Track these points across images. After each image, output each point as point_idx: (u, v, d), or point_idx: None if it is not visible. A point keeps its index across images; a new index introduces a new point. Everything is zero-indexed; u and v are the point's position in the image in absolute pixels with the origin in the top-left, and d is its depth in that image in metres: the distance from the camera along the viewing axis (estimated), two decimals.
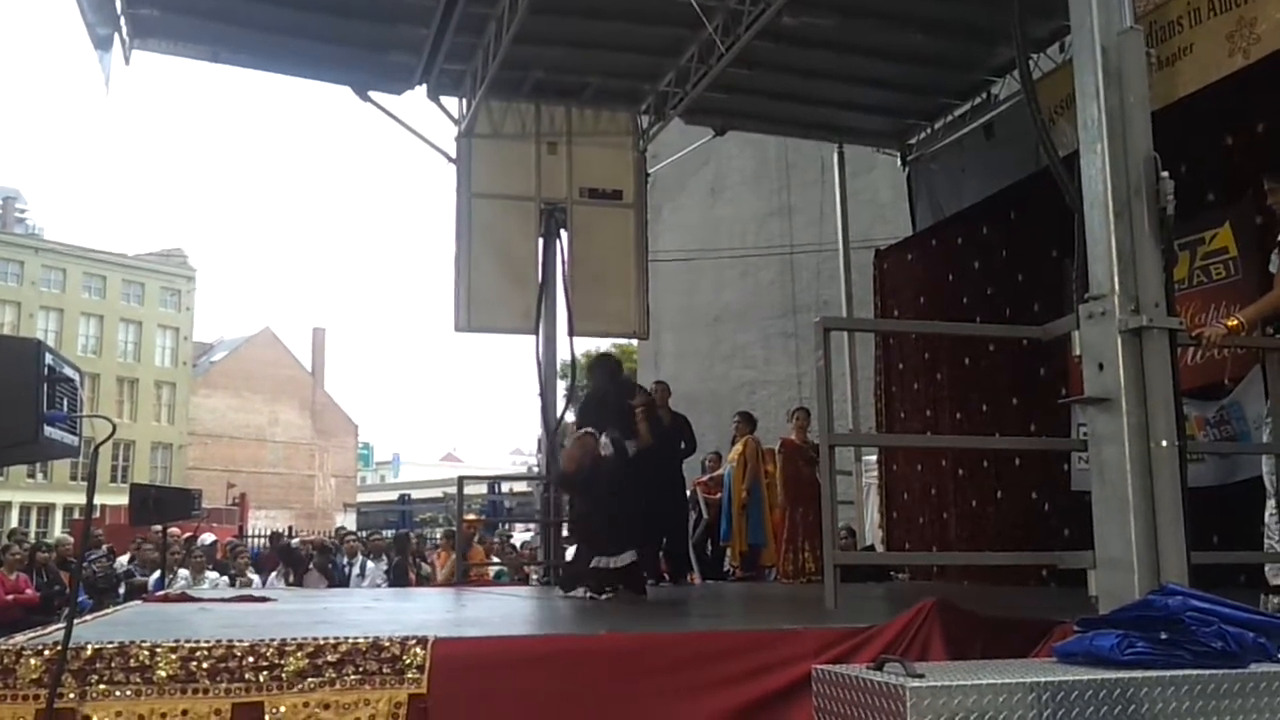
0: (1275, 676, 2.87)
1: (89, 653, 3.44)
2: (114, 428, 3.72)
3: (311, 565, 13.38)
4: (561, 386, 12.10)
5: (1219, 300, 7.21)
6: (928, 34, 10.00)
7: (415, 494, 40.50)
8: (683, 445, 9.81)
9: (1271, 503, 4.88)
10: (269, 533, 21.85)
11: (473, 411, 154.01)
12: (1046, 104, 8.60)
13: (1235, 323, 4.73)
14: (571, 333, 10.88)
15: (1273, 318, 4.99)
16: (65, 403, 3.47)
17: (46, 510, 48.29)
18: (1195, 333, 4.83)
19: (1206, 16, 7.88)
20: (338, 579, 13.23)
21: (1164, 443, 3.79)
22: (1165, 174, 3.94)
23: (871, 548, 11.77)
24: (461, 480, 12.18)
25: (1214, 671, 2.85)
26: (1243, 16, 7.53)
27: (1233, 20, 7.62)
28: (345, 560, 14.04)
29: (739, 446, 11.02)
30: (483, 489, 26.41)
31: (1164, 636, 2.95)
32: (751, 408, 13.88)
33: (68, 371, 3.53)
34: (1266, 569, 5.05)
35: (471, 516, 13.48)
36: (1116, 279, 3.90)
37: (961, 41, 10.22)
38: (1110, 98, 4.00)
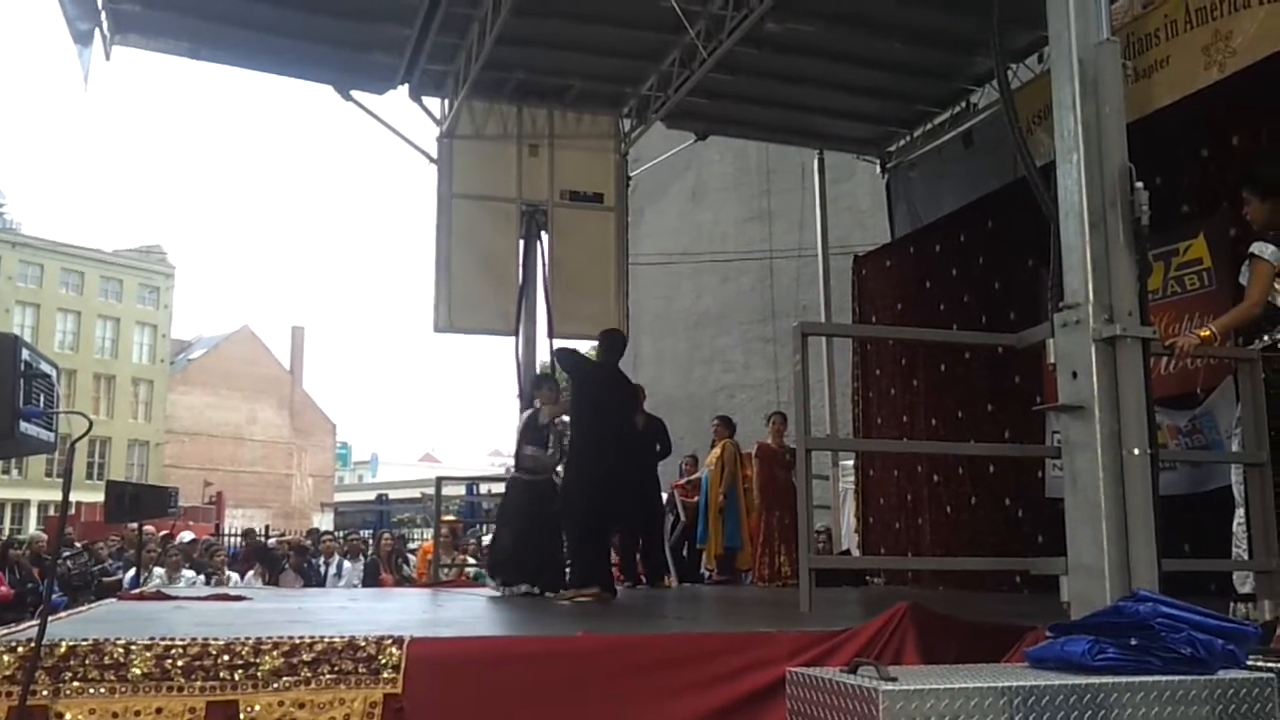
0: (1243, 683, 2.91)
1: (63, 650, 3.43)
2: (90, 424, 3.71)
3: (287, 565, 13.33)
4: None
5: (1193, 311, 7.28)
6: (908, 43, 10.05)
7: (393, 494, 40.37)
8: (658, 448, 9.83)
9: (1240, 511, 4.93)
10: (242, 530, 21.72)
11: (451, 412, 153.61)
12: (1024, 114, 8.68)
13: (1208, 333, 4.77)
14: (551, 334, 10.89)
15: (1245, 329, 5.03)
16: (42, 398, 3.46)
17: (21, 507, 47.90)
18: (1169, 342, 4.88)
19: (1183, 29, 7.95)
20: (314, 579, 13.19)
21: (1136, 451, 3.82)
22: (1140, 185, 3.98)
23: (848, 552, 11.82)
24: (440, 481, 12.18)
25: (1183, 677, 2.88)
26: (1219, 30, 7.59)
27: (1209, 33, 7.68)
28: (322, 560, 14.00)
29: (717, 450, 11.05)
30: (461, 490, 26.34)
31: (1134, 642, 2.97)
32: (730, 412, 13.93)
33: (45, 367, 3.52)
34: (1235, 577, 5.10)
35: (450, 517, 13.44)
36: (1091, 288, 3.93)
37: (941, 50, 10.28)
38: (1086, 109, 4.04)
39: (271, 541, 15.40)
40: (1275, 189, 5.00)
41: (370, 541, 16.51)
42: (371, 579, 13.31)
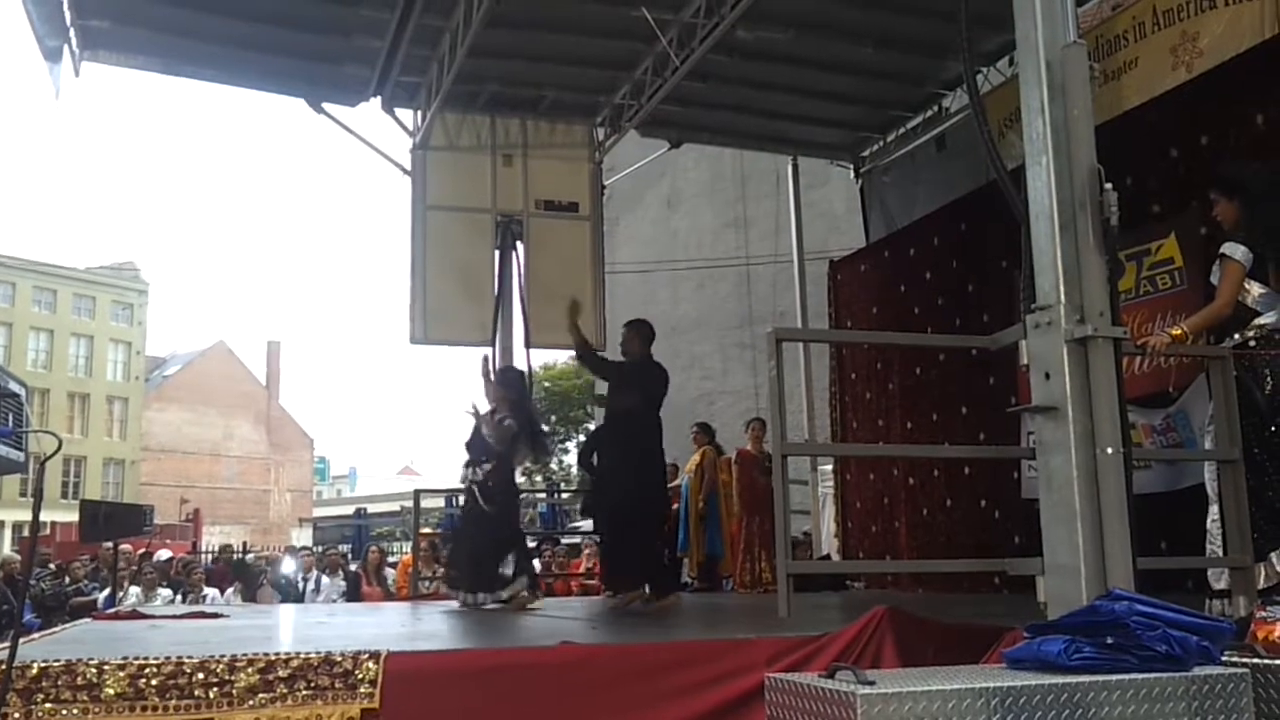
0: (1218, 679, 2.92)
1: (35, 671, 3.40)
2: (60, 443, 3.68)
3: (264, 580, 13.23)
4: None
5: (1165, 310, 7.33)
6: (879, 48, 10.09)
7: (372, 508, 40.16)
8: None
9: (1214, 508, 4.97)
10: (218, 547, 21.57)
11: (430, 424, 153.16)
12: (995, 117, 8.73)
13: (1179, 332, 4.81)
14: (528, 345, 10.86)
15: (1216, 327, 5.08)
16: (10, 418, 3.44)
17: None
18: (1140, 342, 4.92)
19: (1150, 31, 8.02)
20: (292, 594, 13.10)
21: (1110, 450, 3.84)
22: (1109, 186, 4.00)
23: (828, 557, 11.84)
24: (418, 494, 12.12)
25: (1159, 675, 2.89)
26: (1185, 31, 7.67)
27: (1176, 35, 7.76)
28: (300, 575, 13.90)
29: (696, 457, 11.06)
30: (440, 502, 26.28)
31: (1110, 641, 2.99)
32: (709, 418, 13.93)
33: (13, 386, 3.50)
34: (1210, 573, 5.14)
35: (429, 530, 13.37)
36: (1062, 289, 3.95)
37: (912, 55, 10.33)
38: (1054, 111, 4.06)
39: (250, 557, 15.13)
40: (1243, 189, 5.05)
41: (348, 556, 16.38)
42: (354, 593, 13.22)
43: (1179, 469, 6.95)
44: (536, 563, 14.15)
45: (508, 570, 7.43)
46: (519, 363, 11.06)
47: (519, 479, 7.86)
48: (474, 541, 7.65)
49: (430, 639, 5.17)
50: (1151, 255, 7.60)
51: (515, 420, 7.70)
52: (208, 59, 10.10)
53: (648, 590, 7.31)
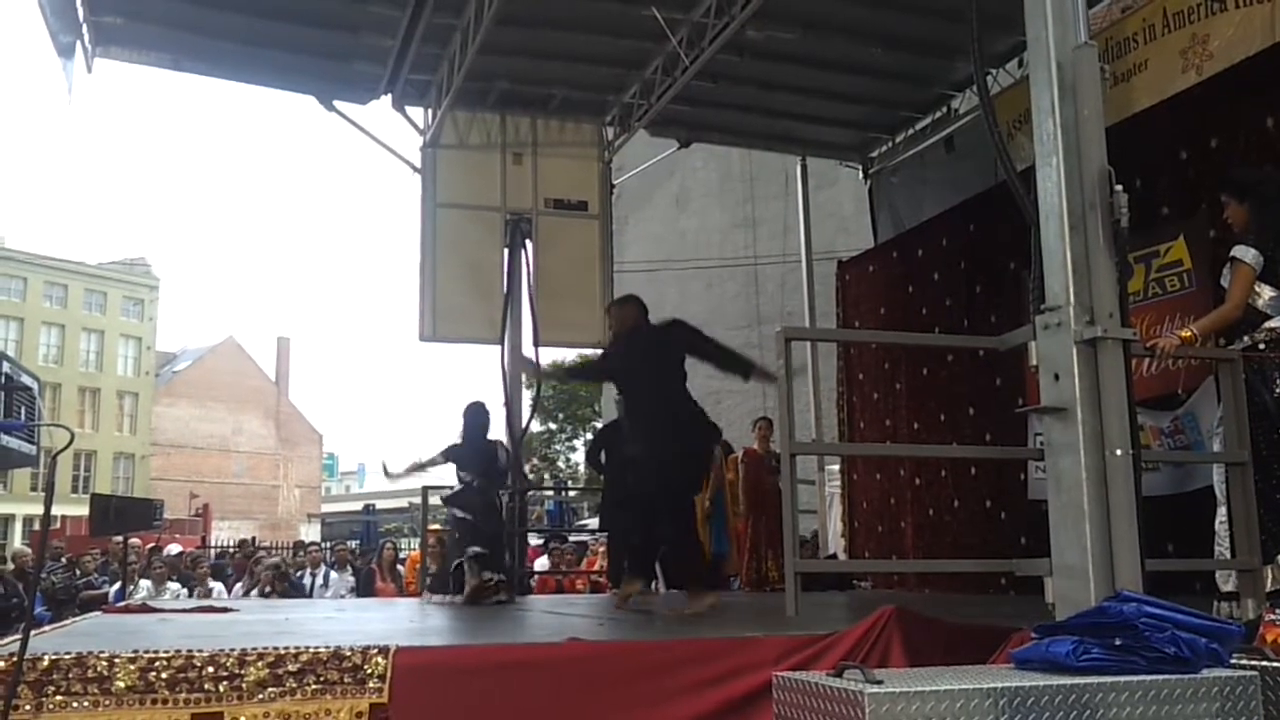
0: (1227, 682, 2.92)
1: (45, 664, 3.40)
2: (72, 437, 3.69)
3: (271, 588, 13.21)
4: (527, 396, 12.08)
5: (1174, 312, 7.32)
6: (888, 48, 10.09)
7: (380, 504, 40.17)
8: None
9: (1222, 510, 4.97)
10: (236, 541, 21.55)
11: (438, 421, 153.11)
12: (1005, 118, 8.73)
13: (1189, 334, 4.81)
14: (537, 343, 10.87)
15: (1225, 330, 5.07)
16: (23, 411, 3.45)
17: (5, 521, 47.54)
18: (1150, 344, 4.91)
19: (1161, 33, 8.02)
20: (300, 593, 13.08)
21: (1119, 451, 3.83)
22: (1119, 188, 4.00)
23: (834, 556, 11.83)
24: (426, 490, 12.12)
25: (1167, 677, 2.89)
26: (1196, 33, 7.67)
27: (1186, 37, 7.75)
28: (309, 571, 13.91)
29: None
30: None
31: (1118, 642, 2.98)
32: (716, 417, 13.89)
33: (26, 380, 3.51)
34: (1218, 575, 5.13)
35: (436, 527, 13.39)
36: (1071, 290, 3.94)
37: (922, 56, 10.33)
38: (1065, 112, 4.05)
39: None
40: (1253, 191, 5.05)
41: (356, 551, 16.36)
42: (367, 589, 13.22)
43: (1187, 471, 6.95)
44: (545, 560, 14.27)
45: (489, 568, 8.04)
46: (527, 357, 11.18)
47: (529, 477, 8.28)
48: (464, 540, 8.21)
49: (439, 634, 5.19)
50: (1160, 257, 7.59)
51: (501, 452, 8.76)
52: (219, 56, 10.13)
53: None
